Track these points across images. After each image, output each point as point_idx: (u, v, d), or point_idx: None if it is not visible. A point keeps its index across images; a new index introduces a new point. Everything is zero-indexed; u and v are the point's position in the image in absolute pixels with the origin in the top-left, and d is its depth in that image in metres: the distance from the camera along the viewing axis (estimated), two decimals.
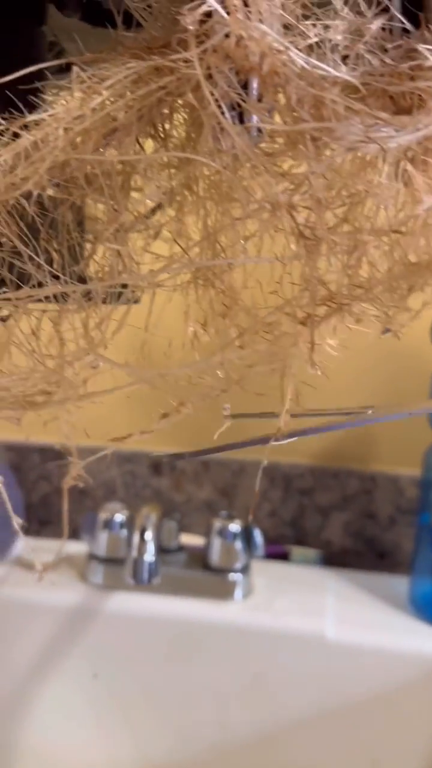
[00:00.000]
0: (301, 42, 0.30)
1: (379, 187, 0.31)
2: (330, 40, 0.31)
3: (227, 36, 0.29)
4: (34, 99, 0.35)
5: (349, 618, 0.83)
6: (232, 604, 0.84)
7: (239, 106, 0.30)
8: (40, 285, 0.34)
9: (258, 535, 0.86)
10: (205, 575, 0.85)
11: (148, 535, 0.78)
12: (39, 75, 0.35)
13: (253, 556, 0.86)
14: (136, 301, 0.39)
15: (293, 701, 0.81)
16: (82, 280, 0.36)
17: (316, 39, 0.31)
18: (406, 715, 0.79)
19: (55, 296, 0.35)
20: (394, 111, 0.31)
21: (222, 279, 0.34)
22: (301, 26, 0.31)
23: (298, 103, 0.28)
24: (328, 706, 0.80)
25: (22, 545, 0.93)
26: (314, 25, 0.31)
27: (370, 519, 0.95)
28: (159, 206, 0.38)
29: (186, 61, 0.29)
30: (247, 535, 0.86)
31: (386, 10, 0.33)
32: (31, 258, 0.34)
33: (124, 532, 0.85)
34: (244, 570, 0.85)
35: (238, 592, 0.84)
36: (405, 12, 0.34)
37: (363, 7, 0.33)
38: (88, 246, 0.37)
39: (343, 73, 0.30)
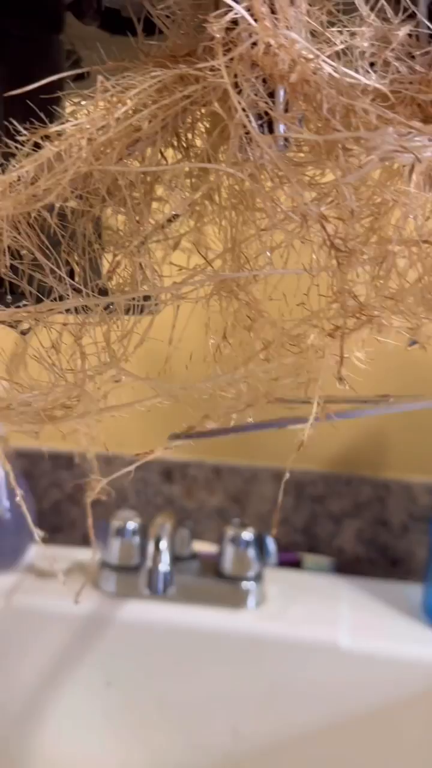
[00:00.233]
0: (327, 49, 0.30)
1: (407, 197, 0.31)
2: (357, 48, 0.31)
3: (255, 44, 0.28)
4: (54, 108, 0.34)
5: (363, 626, 0.82)
6: (245, 612, 0.83)
7: (266, 115, 0.29)
8: (60, 298, 0.34)
9: (271, 543, 0.86)
10: (218, 583, 0.84)
11: (163, 544, 0.78)
12: (58, 84, 0.35)
13: (266, 563, 0.86)
14: (158, 312, 0.39)
15: (306, 710, 0.80)
16: (103, 292, 0.35)
17: (342, 46, 0.30)
18: (420, 724, 0.78)
19: (76, 309, 0.34)
20: (422, 119, 0.30)
21: (246, 290, 0.33)
22: (327, 33, 0.30)
23: (329, 111, 0.28)
24: (341, 714, 0.80)
25: (35, 552, 0.93)
26: (340, 32, 0.31)
27: (383, 526, 0.95)
28: (176, 215, 0.38)
29: (212, 69, 0.29)
30: (259, 543, 0.85)
31: (412, 16, 0.33)
32: (52, 270, 0.34)
33: (137, 539, 0.85)
34: (257, 578, 0.85)
35: (251, 601, 0.84)
36: (431, 18, 0.33)
37: (389, 13, 0.32)
38: (108, 257, 0.36)
39: (372, 80, 0.29)
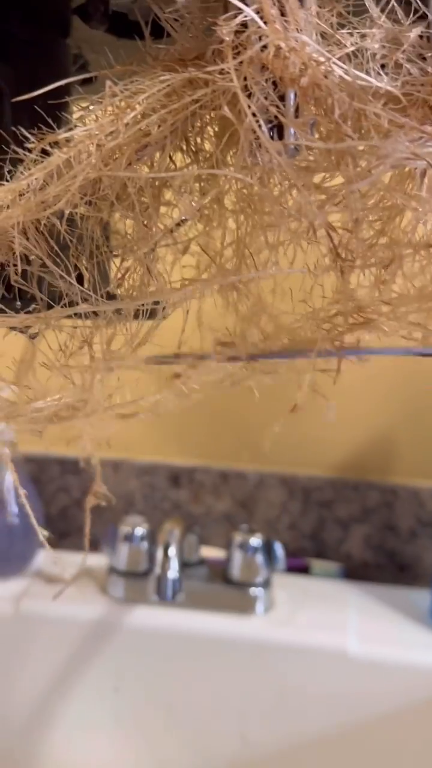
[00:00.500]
0: (338, 52, 0.30)
1: (418, 201, 0.30)
2: (367, 50, 0.30)
3: (265, 47, 0.28)
4: (61, 114, 0.34)
5: (371, 632, 0.82)
6: (253, 618, 0.83)
7: (276, 119, 0.29)
8: (70, 303, 0.34)
9: (279, 549, 0.85)
10: (226, 589, 0.84)
11: (172, 550, 0.78)
12: (65, 89, 0.35)
13: (274, 569, 0.85)
14: (166, 316, 0.39)
15: (314, 716, 0.80)
16: (111, 296, 0.35)
17: (353, 48, 0.30)
18: (427, 730, 0.78)
19: (85, 314, 0.34)
20: None
21: (248, 288, 0.33)
22: (337, 35, 0.30)
23: (340, 117, 0.27)
24: (349, 720, 0.79)
25: (43, 558, 0.93)
26: (351, 34, 0.31)
27: (391, 532, 0.94)
28: (185, 220, 0.38)
29: (222, 72, 0.28)
30: (267, 549, 0.85)
31: (423, 17, 0.32)
32: (60, 276, 0.33)
33: (145, 545, 0.85)
34: (265, 584, 0.84)
35: (259, 606, 0.83)
36: None
37: (400, 15, 0.32)
38: (116, 262, 0.36)
39: (384, 83, 0.29)
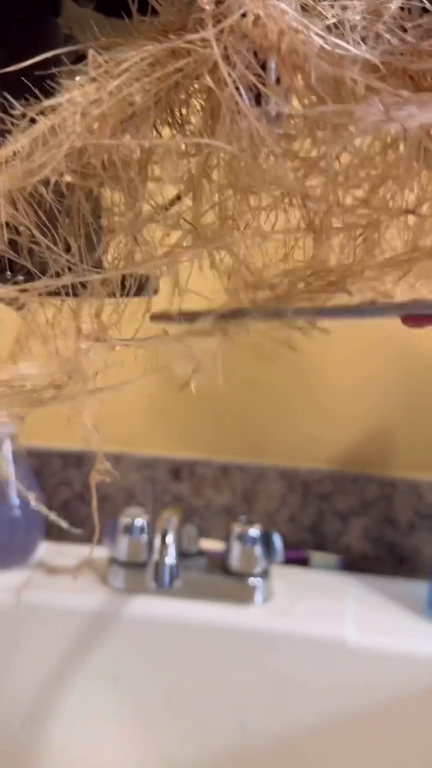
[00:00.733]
0: (318, 23, 0.30)
1: (398, 169, 0.31)
2: (348, 21, 0.31)
3: (244, 15, 0.28)
4: (51, 86, 0.34)
5: (370, 623, 0.82)
6: (252, 608, 0.83)
7: (256, 87, 0.30)
8: (57, 274, 0.34)
9: (277, 540, 0.85)
10: (225, 580, 0.84)
11: (169, 538, 0.78)
12: (55, 63, 0.35)
13: (273, 561, 0.86)
14: (155, 293, 0.39)
15: (313, 706, 0.80)
16: (99, 266, 0.35)
17: (334, 20, 0.31)
18: (426, 720, 0.78)
19: (73, 286, 0.34)
20: (414, 91, 0.30)
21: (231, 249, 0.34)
22: (318, 7, 0.31)
23: (317, 82, 0.28)
24: (348, 710, 0.79)
25: (44, 549, 0.93)
26: (332, 6, 0.31)
27: (390, 524, 0.94)
28: (178, 197, 0.38)
29: (203, 41, 0.29)
30: (266, 540, 0.85)
31: None
32: (48, 247, 0.34)
33: (145, 536, 0.85)
34: (264, 575, 0.84)
35: (258, 597, 0.84)
36: None
37: None
38: (105, 235, 0.36)
39: (362, 51, 0.29)
